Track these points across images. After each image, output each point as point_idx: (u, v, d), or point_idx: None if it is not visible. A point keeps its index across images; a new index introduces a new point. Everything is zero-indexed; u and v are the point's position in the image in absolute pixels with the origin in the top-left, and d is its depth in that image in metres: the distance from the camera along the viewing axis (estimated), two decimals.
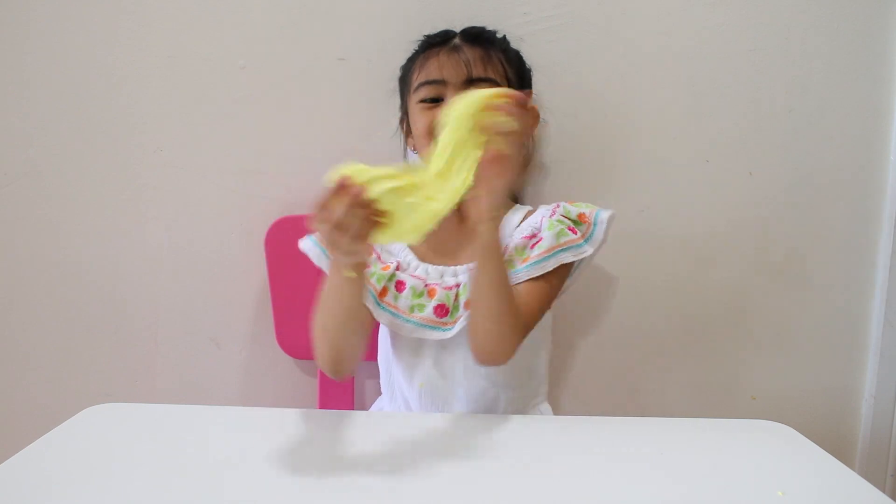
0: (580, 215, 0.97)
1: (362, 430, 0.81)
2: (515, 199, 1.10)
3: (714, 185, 1.18)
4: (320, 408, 1.14)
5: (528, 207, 1.04)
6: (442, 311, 0.92)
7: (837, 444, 1.23)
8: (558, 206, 0.98)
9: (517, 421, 0.86)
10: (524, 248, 0.95)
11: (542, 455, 0.75)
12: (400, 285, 0.94)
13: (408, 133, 1.05)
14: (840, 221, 1.19)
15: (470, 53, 0.96)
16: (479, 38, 0.99)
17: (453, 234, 0.96)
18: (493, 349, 0.87)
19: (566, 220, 0.96)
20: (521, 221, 1.00)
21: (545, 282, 0.94)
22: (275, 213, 1.13)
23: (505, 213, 1.00)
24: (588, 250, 0.94)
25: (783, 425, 0.82)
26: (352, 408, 1.15)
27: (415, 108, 0.98)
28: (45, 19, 1.11)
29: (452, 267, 0.96)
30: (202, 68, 1.13)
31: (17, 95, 1.13)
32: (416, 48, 1.04)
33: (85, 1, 1.11)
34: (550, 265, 0.92)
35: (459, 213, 1.00)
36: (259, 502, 0.63)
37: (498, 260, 0.84)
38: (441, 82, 0.95)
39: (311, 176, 1.14)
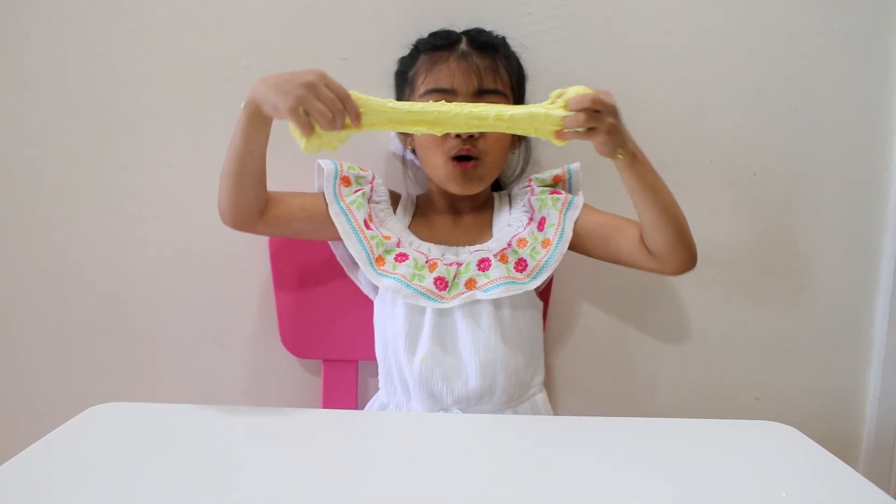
0: (555, 177, 1.04)
1: (365, 429, 0.80)
2: (498, 185, 1.12)
3: (718, 185, 1.18)
4: (323, 407, 1.14)
5: (505, 192, 1.10)
6: (441, 283, 0.95)
7: (841, 445, 1.23)
8: (531, 181, 1.05)
9: (519, 420, 0.86)
10: (533, 233, 0.99)
11: (543, 455, 0.75)
12: (402, 256, 0.97)
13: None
14: (844, 221, 1.19)
15: (479, 62, 0.97)
16: (486, 46, 1.00)
17: (449, 228, 1.04)
18: (684, 242, 0.93)
19: (546, 188, 1.03)
20: (510, 210, 1.05)
21: (596, 211, 1.02)
22: None
23: (495, 204, 1.07)
24: (580, 201, 1.02)
25: (787, 426, 0.82)
26: (355, 407, 1.15)
27: None
28: (45, 19, 1.11)
29: (454, 247, 1.00)
30: (205, 68, 1.12)
31: (17, 95, 1.12)
32: (418, 45, 1.04)
33: (85, 1, 1.10)
34: (569, 232, 0.99)
35: (454, 212, 1.05)
36: (262, 501, 0.63)
37: (648, 165, 0.91)
38: (451, 91, 0.96)
39: (314, 174, 1.15)
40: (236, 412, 0.86)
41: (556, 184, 1.05)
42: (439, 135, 0.86)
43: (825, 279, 1.21)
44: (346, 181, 1.02)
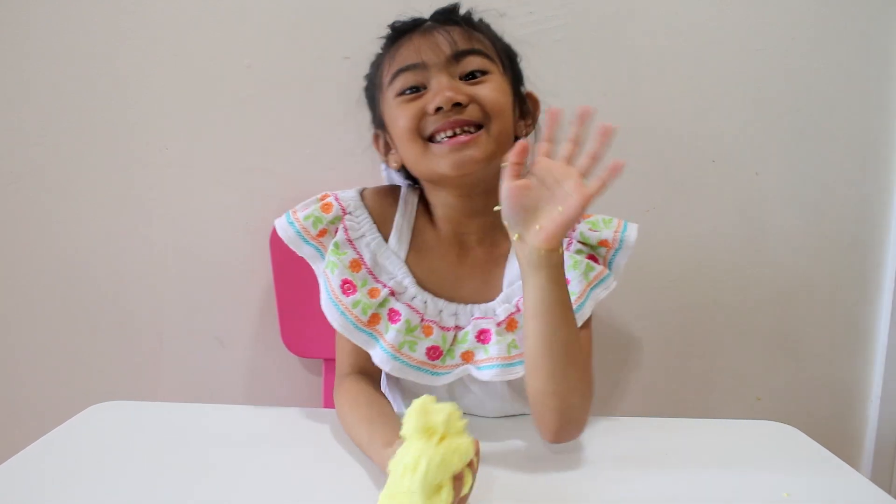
0: (602, 242, 0.88)
1: None
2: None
3: (720, 184, 1.17)
4: (325, 406, 1.14)
5: None
6: (434, 353, 0.82)
7: (843, 446, 1.23)
8: (574, 232, 0.88)
9: (521, 420, 0.85)
10: None
11: (545, 454, 0.74)
12: (394, 315, 0.83)
13: (387, 150, 0.90)
14: (846, 221, 1.19)
15: (448, 29, 0.83)
16: (452, 14, 0.86)
17: (453, 266, 0.88)
18: (566, 426, 0.75)
19: (585, 249, 0.88)
20: None
21: (585, 326, 0.85)
22: (280, 211, 1.13)
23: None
24: (613, 284, 0.87)
25: (788, 426, 0.82)
26: None
27: (392, 105, 0.84)
28: (45, 19, 1.11)
29: (454, 304, 0.86)
30: (207, 67, 1.12)
31: (18, 95, 1.12)
32: (381, 47, 0.91)
33: (85, 1, 1.10)
34: (588, 311, 0.84)
35: (460, 245, 0.89)
36: (263, 500, 0.63)
37: (562, 308, 0.72)
38: (420, 66, 0.81)
39: (317, 174, 1.15)
40: (237, 411, 0.87)
41: (599, 247, 0.88)
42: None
43: (827, 278, 1.21)
44: (322, 233, 0.88)
